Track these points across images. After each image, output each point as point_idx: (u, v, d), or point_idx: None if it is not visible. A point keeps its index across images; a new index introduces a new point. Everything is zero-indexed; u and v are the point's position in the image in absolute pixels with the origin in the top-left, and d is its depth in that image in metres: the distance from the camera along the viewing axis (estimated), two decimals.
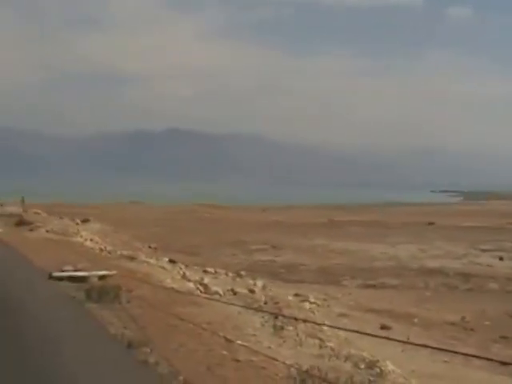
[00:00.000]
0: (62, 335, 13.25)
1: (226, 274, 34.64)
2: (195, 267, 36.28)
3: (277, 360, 11.98)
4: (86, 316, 15.32)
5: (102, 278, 20.06)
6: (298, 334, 15.08)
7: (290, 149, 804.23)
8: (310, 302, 27.61)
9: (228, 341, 13.31)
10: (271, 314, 16.91)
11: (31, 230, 41.94)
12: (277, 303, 20.01)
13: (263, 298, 21.41)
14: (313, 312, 20.71)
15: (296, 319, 15.74)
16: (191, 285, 23.67)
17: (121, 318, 14.89)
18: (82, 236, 39.60)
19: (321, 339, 15.02)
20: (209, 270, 35.14)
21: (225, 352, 12.50)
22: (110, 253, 31.61)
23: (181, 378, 10.56)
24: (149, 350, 12.12)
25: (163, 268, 27.76)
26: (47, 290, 18.84)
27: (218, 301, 17.84)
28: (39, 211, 56.28)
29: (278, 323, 15.71)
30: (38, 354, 11.68)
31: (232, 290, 26.38)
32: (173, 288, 20.39)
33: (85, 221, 50.51)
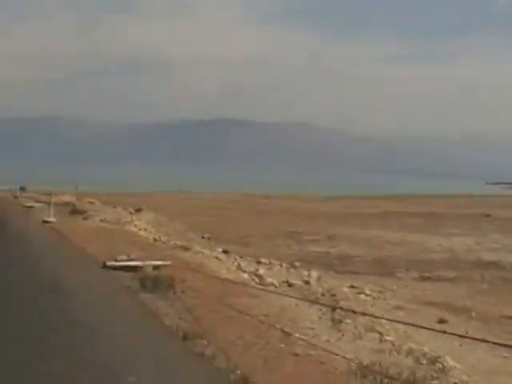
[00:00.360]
0: (117, 325, 13.17)
1: (280, 265, 34.46)
2: (249, 258, 36.15)
3: (336, 354, 11.72)
4: (140, 305, 15.23)
5: (156, 267, 19.97)
6: (356, 328, 14.79)
7: (337, 136, 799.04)
8: (366, 294, 27.24)
9: (285, 334, 13.09)
10: (327, 306, 16.65)
11: (85, 219, 42.23)
12: (334, 295, 19.72)
13: (320, 290, 21.13)
14: (371, 305, 20.34)
15: (354, 312, 15.45)
16: (246, 276, 23.52)
17: (176, 309, 14.76)
18: (135, 225, 39.71)
19: (380, 333, 14.70)
20: (263, 260, 35.00)
21: (282, 345, 12.28)
22: (163, 243, 31.60)
23: (238, 372, 10.36)
24: (205, 343, 11.95)
25: (218, 258, 27.66)
26: (101, 279, 18.82)
27: (273, 292, 17.60)
28: (93, 200, 56.77)
29: (336, 316, 15.44)
30: (92, 344, 11.60)
31: (287, 281, 26.18)
32: (228, 279, 20.24)
33: (138, 210, 50.75)
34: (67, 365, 10.18)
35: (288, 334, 13.01)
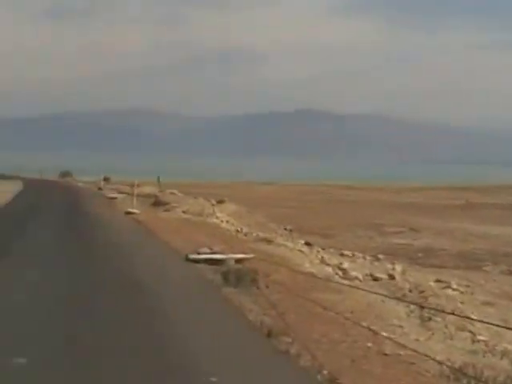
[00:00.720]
0: (200, 320, 12.94)
1: (364, 258, 33.86)
2: (331, 250, 35.64)
3: (426, 355, 11.21)
4: (223, 301, 14.98)
5: (239, 261, 19.71)
6: (446, 326, 14.23)
7: (416, 127, 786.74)
8: (453, 289, 26.45)
9: (372, 332, 12.63)
10: (412, 303, 16.11)
11: (167, 211, 42.34)
12: (422, 292, 19.12)
13: (407, 286, 20.52)
14: (460, 301, 19.66)
15: (444, 311, 14.88)
16: (329, 269, 23.06)
17: (259, 304, 14.47)
18: (217, 217, 39.60)
19: (471, 332, 14.10)
20: (345, 253, 34.45)
21: (370, 344, 11.84)
22: (245, 235, 31.37)
23: (325, 372, 9.98)
24: (290, 340, 11.61)
25: (301, 251, 27.26)
26: (184, 272, 18.66)
27: (358, 288, 17.12)
28: (174, 191, 57.00)
29: (425, 314, 14.89)
30: (177, 339, 11.39)
31: (371, 274, 25.61)
32: (311, 273, 19.86)
33: (220, 201, 50.65)
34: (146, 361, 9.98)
35: (375, 333, 12.55)
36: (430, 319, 14.55)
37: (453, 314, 14.86)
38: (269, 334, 11.97)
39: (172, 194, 54.65)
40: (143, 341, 11.16)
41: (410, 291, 19.40)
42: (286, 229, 49.21)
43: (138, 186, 49.06)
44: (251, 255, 20.59)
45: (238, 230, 32.99)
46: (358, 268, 27.21)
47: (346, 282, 19.76)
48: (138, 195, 46.26)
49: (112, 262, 19.97)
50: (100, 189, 76.20)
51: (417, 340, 12.90)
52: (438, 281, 29.08)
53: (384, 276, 25.69)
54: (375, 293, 15.75)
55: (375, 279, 24.49)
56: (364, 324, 13.15)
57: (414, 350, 11.49)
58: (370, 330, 12.75)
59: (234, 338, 11.91)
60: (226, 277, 16.78)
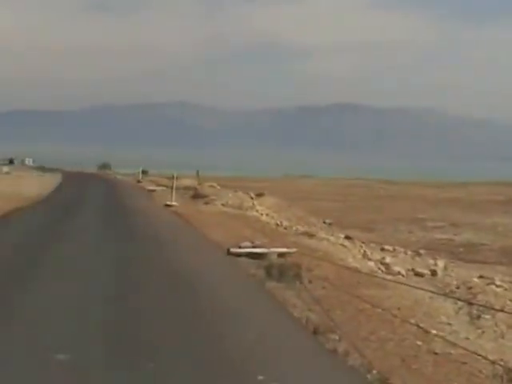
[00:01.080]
0: (245, 317, 12.65)
1: (405, 253, 33.40)
2: (372, 244, 35.24)
3: (478, 354, 10.82)
4: (267, 296, 14.69)
5: (281, 255, 19.41)
6: (496, 324, 13.80)
7: (460, 122, 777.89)
8: (496, 285, 25.92)
9: (421, 329, 12.26)
10: (461, 300, 15.69)
11: (206, 204, 42.18)
12: (470, 288, 18.65)
13: (454, 282, 20.07)
14: (510, 299, 19.14)
15: (493, 309, 14.44)
16: (372, 264, 22.68)
17: (303, 300, 14.15)
18: (257, 210, 39.34)
19: None
20: (387, 247, 34.02)
21: (419, 342, 11.46)
22: (285, 228, 31.06)
23: (374, 371, 9.64)
24: (337, 338, 11.28)
25: (344, 246, 26.89)
26: (226, 267, 18.39)
27: (404, 284, 16.72)
28: (213, 184, 56.89)
29: (474, 311, 14.47)
30: (220, 334, 11.12)
31: (413, 269, 25.19)
32: (355, 268, 19.50)
33: (259, 195, 50.43)
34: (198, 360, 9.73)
35: (424, 330, 12.18)
36: (479, 317, 14.13)
37: (502, 311, 14.41)
38: (315, 331, 11.65)
39: (211, 186, 54.55)
40: (194, 336, 10.92)
41: (458, 288, 18.95)
42: (325, 222, 48.85)
43: (177, 178, 48.94)
44: (293, 249, 20.28)
45: (277, 224, 32.69)
46: (399, 263, 26.80)
47: (389, 277, 19.38)
48: (177, 188, 46.16)
49: (151, 255, 19.79)
50: (139, 181, 76.38)
51: (467, 338, 12.51)
52: (481, 277, 28.54)
53: (426, 271, 25.26)
54: (422, 289, 15.34)
55: (418, 274, 24.08)
56: (412, 321, 12.79)
57: (465, 349, 11.12)
58: (419, 327, 12.39)
59: (279, 334, 11.60)
60: (268, 271, 16.49)
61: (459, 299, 15.44)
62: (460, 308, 14.88)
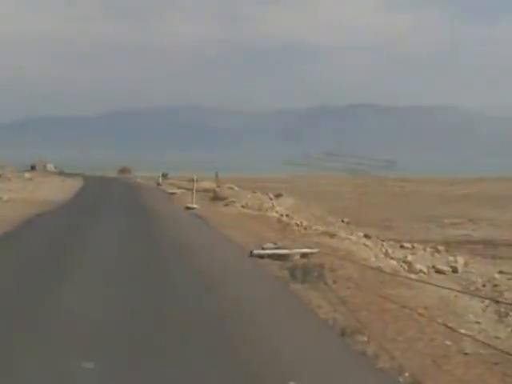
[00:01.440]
0: (272, 320, 12.35)
1: (424, 250, 33.00)
2: (391, 242, 34.86)
3: (510, 354, 10.45)
4: (292, 297, 14.37)
5: (303, 255, 19.09)
6: None
7: (479, 119, 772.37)
8: None
9: (449, 329, 11.91)
10: (487, 298, 15.32)
11: (226, 205, 41.90)
12: (496, 286, 18.25)
13: (480, 280, 19.68)
14: None
15: None
16: (394, 263, 22.32)
17: (329, 301, 13.82)
18: (277, 211, 39.00)
19: None
20: (405, 245, 33.64)
21: (448, 342, 11.10)
22: (305, 228, 30.69)
23: (406, 374, 9.30)
24: (365, 339, 10.94)
25: (365, 245, 26.50)
26: (249, 269, 18.07)
27: (430, 283, 16.35)
28: (232, 186, 56.59)
29: (501, 309, 14.08)
30: (247, 337, 10.82)
31: (433, 267, 24.84)
32: (377, 267, 19.12)
33: (278, 195, 50.09)
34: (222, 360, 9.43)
35: (452, 330, 11.82)
36: (507, 315, 13.75)
37: None
38: (342, 333, 11.33)
39: (230, 188, 54.26)
40: (221, 338, 10.63)
41: (484, 286, 18.56)
42: (343, 221, 48.49)
43: (197, 181, 48.74)
44: (316, 250, 19.96)
45: (297, 224, 32.35)
46: (420, 260, 26.46)
47: (412, 275, 19.02)
48: (197, 190, 45.93)
49: (175, 256, 19.54)
50: (159, 184, 76.27)
51: (497, 338, 12.14)
52: (500, 272, 28.13)
53: (447, 268, 24.89)
54: (449, 288, 14.97)
55: (439, 272, 23.73)
56: (439, 320, 12.44)
57: (496, 348, 10.76)
58: (447, 326, 12.04)
59: (307, 337, 11.28)
60: (292, 272, 16.19)
61: (486, 298, 15.06)
62: (487, 306, 14.50)
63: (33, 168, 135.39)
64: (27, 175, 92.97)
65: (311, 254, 19.37)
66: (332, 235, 26.28)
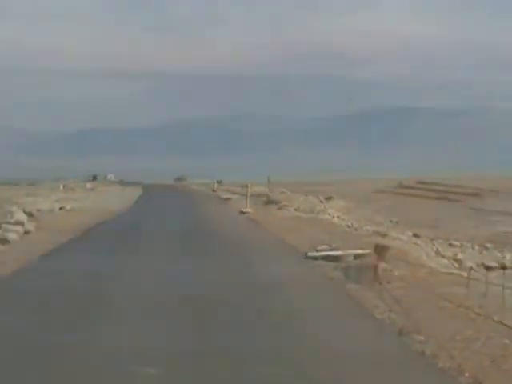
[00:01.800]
0: (327, 319, 12.05)
1: (472, 247, 32.37)
2: (439, 241, 34.28)
3: None
4: (347, 297, 14.05)
5: (357, 256, 18.74)
6: None
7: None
8: None
9: (506, 327, 11.45)
10: None
11: (279, 209, 41.68)
12: None
13: None
14: None
15: None
16: (445, 261, 21.83)
17: (384, 300, 13.45)
18: (329, 214, 38.66)
19: None
20: (454, 243, 33.06)
21: (506, 341, 10.62)
22: (356, 229, 30.32)
23: (466, 374, 8.91)
24: (422, 338, 10.55)
25: (416, 244, 26.01)
26: (305, 270, 17.76)
27: (479, 280, 15.84)
28: (284, 190, 56.41)
29: None
30: (310, 334, 10.53)
31: (482, 264, 24.29)
32: (430, 265, 18.67)
33: (328, 198, 49.76)
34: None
35: (509, 328, 11.36)
36: None
37: None
38: (400, 332, 10.97)
39: (282, 192, 54.06)
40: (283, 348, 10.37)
41: None
42: (391, 221, 47.95)
43: (250, 186, 48.66)
44: (368, 250, 19.57)
45: (348, 225, 31.99)
46: (469, 258, 25.89)
47: (464, 273, 18.49)
48: (251, 195, 45.81)
49: (232, 257, 19.36)
50: (214, 191, 76.39)
51: None
52: None
53: (496, 265, 24.32)
54: (501, 286, 14.43)
55: (488, 268, 23.18)
56: (495, 318, 11.98)
57: None
58: (504, 324, 11.58)
59: (366, 337, 10.94)
60: (347, 273, 15.88)
61: None
62: None
63: (94, 178, 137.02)
64: (89, 185, 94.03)
65: (364, 254, 19.00)
66: (383, 235, 25.84)
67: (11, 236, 22.50)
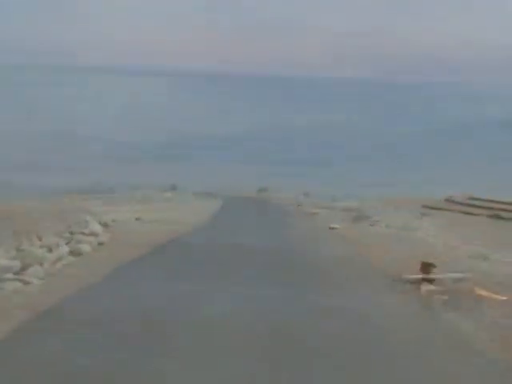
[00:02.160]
0: (425, 352, 11.84)
1: None
2: None
3: None
4: (445, 326, 13.78)
5: (457, 280, 18.36)
6: None
7: None
8: None
9: None
10: None
11: (370, 225, 41.23)
12: None
13: None
14: None
15: None
16: None
17: (487, 330, 13.20)
18: (424, 231, 38.01)
19: None
20: None
21: None
22: (452, 249, 29.69)
23: None
24: None
25: None
26: (398, 295, 17.44)
27: None
28: (375, 204, 55.93)
29: None
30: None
31: None
32: None
33: (424, 214, 49.01)
34: None
35: None
36: None
37: None
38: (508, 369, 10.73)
39: (373, 207, 53.62)
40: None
41: None
42: (491, 240, 46.76)
43: (335, 200, 48.47)
44: (469, 274, 19.20)
45: (444, 244, 31.38)
46: None
47: None
48: (338, 209, 45.60)
49: (314, 282, 19.24)
50: (299, 205, 76.08)
51: None
52: None
53: None
54: None
55: None
56: None
57: None
58: None
59: (473, 375, 10.70)
60: (444, 299, 15.58)
61: None
62: None
63: (173, 188, 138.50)
64: (167, 195, 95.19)
65: (464, 279, 18.62)
66: (485, 257, 25.22)
67: (84, 248, 22.80)
